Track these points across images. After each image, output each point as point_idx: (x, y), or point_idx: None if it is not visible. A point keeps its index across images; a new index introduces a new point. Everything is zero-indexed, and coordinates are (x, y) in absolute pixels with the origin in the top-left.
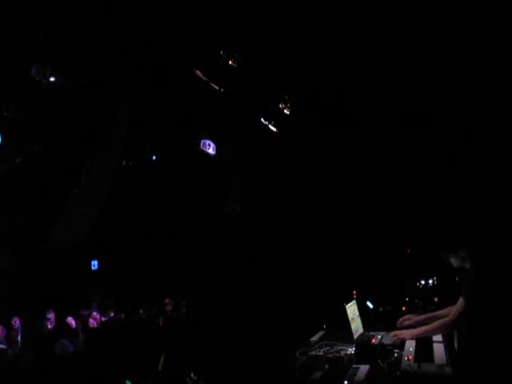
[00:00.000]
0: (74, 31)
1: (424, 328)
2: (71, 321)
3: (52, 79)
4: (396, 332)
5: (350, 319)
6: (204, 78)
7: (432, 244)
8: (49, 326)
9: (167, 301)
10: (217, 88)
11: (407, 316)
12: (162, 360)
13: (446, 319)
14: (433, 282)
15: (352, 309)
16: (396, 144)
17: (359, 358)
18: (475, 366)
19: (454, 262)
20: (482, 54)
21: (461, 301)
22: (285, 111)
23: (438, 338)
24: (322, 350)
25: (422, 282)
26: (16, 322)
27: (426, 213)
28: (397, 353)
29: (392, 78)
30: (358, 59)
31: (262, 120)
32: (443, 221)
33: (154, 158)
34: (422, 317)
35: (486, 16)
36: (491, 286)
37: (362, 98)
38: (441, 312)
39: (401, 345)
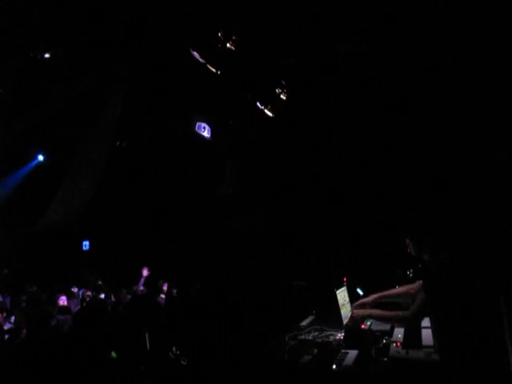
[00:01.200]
0: (70, 8)
1: (382, 314)
2: (64, 300)
3: (47, 55)
4: (356, 310)
5: (340, 305)
6: (201, 60)
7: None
8: None
9: (160, 282)
10: (214, 70)
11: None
12: (147, 338)
13: (406, 314)
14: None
15: (342, 295)
16: (391, 133)
17: (348, 343)
18: (458, 355)
19: (412, 249)
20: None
21: (421, 296)
22: (281, 96)
23: (426, 325)
24: (311, 335)
25: (412, 271)
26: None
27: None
28: (385, 339)
29: (390, 65)
30: (355, 45)
31: (258, 104)
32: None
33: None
34: (374, 296)
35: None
36: (451, 280)
37: (360, 84)
38: (393, 291)
39: (390, 331)
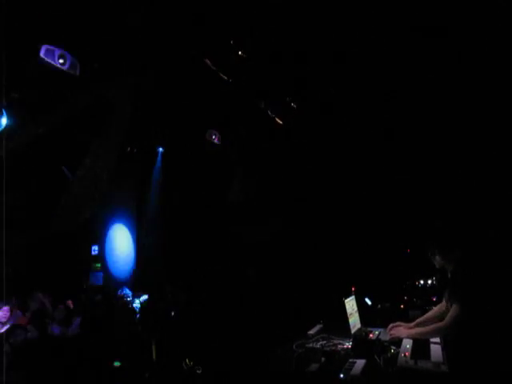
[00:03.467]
0: (83, 14)
1: (420, 330)
2: (70, 304)
3: (61, 61)
4: (393, 330)
5: (348, 314)
6: (213, 68)
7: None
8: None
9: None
10: (225, 78)
11: (397, 323)
12: (154, 348)
13: (441, 324)
14: (432, 282)
15: (351, 304)
16: (399, 142)
17: (356, 352)
18: (470, 366)
19: (437, 261)
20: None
21: (455, 307)
22: (292, 105)
23: (435, 340)
24: (319, 343)
25: (421, 282)
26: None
27: (425, 211)
28: (394, 349)
29: (398, 73)
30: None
31: (269, 112)
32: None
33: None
34: (412, 324)
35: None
36: (485, 290)
37: (369, 94)
38: (429, 315)
39: (398, 341)
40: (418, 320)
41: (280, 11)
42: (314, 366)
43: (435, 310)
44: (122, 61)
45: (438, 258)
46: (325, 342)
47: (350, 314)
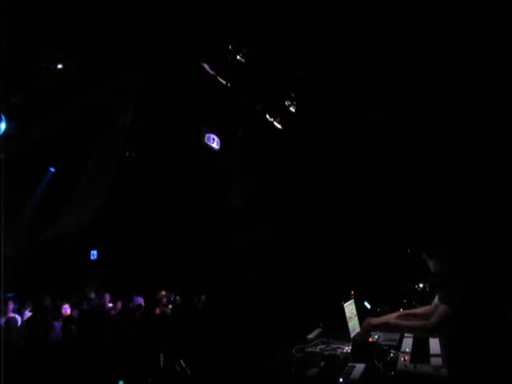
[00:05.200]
0: (82, 19)
1: (400, 322)
2: (67, 309)
3: (60, 66)
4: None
5: (347, 318)
6: (211, 72)
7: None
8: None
9: (163, 293)
10: (223, 82)
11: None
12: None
13: (428, 323)
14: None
15: (350, 308)
16: (397, 145)
17: (355, 356)
18: (467, 370)
19: (432, 265)
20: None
21: (443, 307)
22: (290, 109)
23: (435, 340)
24: (318, 348)
25: (421, 285)
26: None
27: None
28: (393, 353)
29: (398, 78)
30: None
31: (268, 116)
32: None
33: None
34: (394, 315)
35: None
36: (476, 293)
37: (368, 97)
38: (417, 311)
39: (397, 345)
40: (396, 314)
41: (278, 15)
42: (314, 371)
43: (420, 310)
44: (122, 65)
45: (430, 260)
46: (324, 346)
47: (350, 318)
